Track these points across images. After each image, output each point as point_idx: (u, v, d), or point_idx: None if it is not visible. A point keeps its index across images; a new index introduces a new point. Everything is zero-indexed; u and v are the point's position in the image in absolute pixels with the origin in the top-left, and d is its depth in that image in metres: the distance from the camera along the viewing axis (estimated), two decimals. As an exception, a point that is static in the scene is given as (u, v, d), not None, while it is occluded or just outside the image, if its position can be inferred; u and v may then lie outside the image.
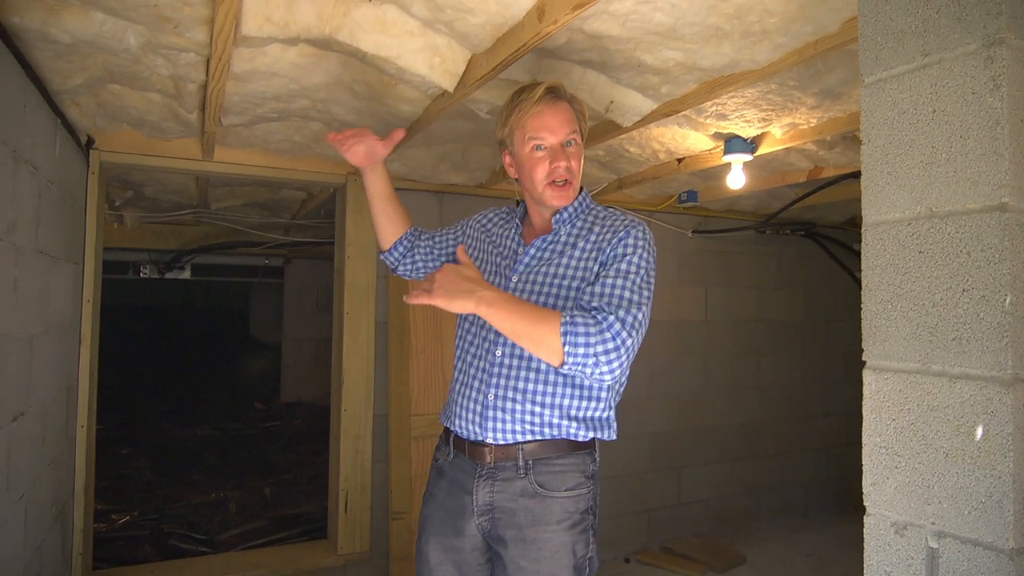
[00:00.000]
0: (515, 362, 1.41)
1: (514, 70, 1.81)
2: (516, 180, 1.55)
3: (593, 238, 1.42)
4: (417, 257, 1.75)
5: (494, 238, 1.60)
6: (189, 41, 1.65)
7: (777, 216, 3.73)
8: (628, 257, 1.35)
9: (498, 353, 1.43)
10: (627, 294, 1.30)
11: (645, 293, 1.33)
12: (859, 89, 2.13)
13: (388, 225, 1.72)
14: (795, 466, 4.32)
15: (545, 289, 1.41)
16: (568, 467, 1.40)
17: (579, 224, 1.48)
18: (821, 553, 3.73)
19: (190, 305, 8.02)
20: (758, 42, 1.57)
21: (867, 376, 0.98)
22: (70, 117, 2.19)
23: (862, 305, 0.99)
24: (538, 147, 1.43)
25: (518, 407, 1.39)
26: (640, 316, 1.29)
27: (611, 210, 1.50)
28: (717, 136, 2.46)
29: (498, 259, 1.55)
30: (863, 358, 0.99)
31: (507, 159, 1.54)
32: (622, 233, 1.39)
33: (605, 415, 1.43)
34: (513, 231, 1.57)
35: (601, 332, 1.24)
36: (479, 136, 2.59)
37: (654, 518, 3.79)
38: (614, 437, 1.45)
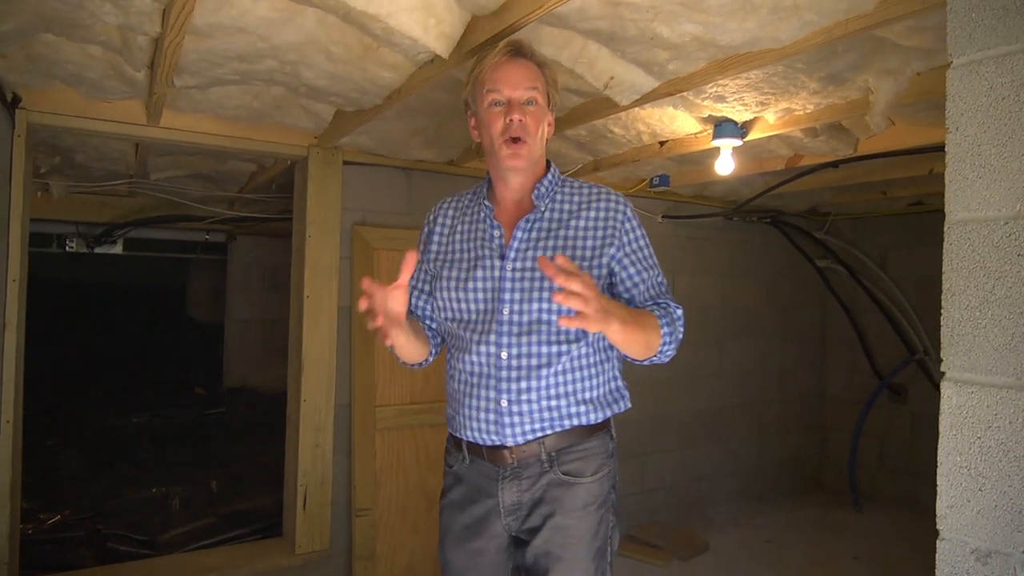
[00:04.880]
0: (522, 362, 1.38)
1: (513, 38, 1.65)
2: (479, 144, 1.48)
3: (592, 214, 1.41)
4: (431, 318, 1.55)
5: (464, 228, 1.50)
6: (145, -15, 1.42)
7: (751, 203, 3.70)
8: (639, 241, 1.43)
9: (504, 356, 1.38)
10: (662, 279, 1.44)
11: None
12: (865, 75, 2.05)
13: (423, 347, 1.51)
14: (753, 451, 4.37)
15: (541, 272, 1.33)
16: (590, 452, 1.42)
17: (558, 198, 1.44)
18: (780, 538, 3.77)
19: (121, 282, 7.47)
20: (786, 18, 1.46)
21: (947, 389, 0.89)
22: (-8, 70, 1.90)
23: (942, 311, 0.90)
24: (496, 102, 1.38)
25: (534, 405, 1.38)
26: None
27: (580, 182, 1.49)
28: (708, 119, 2.36)
29: (477, 248, 1.44)
30: (942, 368, 0.90)
31: (471, 121, 1.48)
32: (620, 216, 1.41)
33: (614, 384, 1.47)
34: (483, 214, 1.47)
35: (676, 322, 1.37)
36: (458, 110, 2.41)
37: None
38: (629, 406, 1.50)
